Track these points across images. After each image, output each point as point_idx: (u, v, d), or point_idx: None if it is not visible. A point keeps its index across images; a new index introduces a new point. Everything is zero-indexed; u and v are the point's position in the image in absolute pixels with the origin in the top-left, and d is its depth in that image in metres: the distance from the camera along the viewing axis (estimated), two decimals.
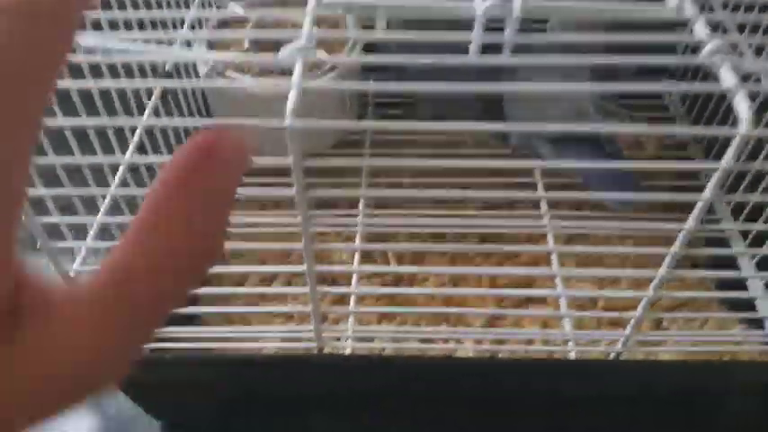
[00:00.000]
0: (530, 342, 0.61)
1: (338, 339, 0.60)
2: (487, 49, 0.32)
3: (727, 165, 0.30)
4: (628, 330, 0.43)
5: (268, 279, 0.67)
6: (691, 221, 0.30)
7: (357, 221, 0.67)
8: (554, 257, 0.64)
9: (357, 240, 0.67)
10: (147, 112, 0.59)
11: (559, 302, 0.62)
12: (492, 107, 0.69)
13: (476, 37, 0.31)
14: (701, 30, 0.32)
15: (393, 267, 0.68)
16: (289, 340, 0.59)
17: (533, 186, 0.69)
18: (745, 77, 0.29)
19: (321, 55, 0.65)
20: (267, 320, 0.64)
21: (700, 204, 0.31)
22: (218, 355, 0.56)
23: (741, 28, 0.39)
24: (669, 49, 0.34)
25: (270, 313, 0.64)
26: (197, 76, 0.67)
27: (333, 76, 0.64)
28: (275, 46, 0.65)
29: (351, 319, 0.60)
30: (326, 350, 0.56)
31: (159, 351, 0.49)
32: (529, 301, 0.66)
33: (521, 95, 0.63)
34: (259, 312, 0.64)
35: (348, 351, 0.58)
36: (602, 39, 0.33)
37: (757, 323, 0.60)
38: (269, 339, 0.59)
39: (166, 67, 0.59)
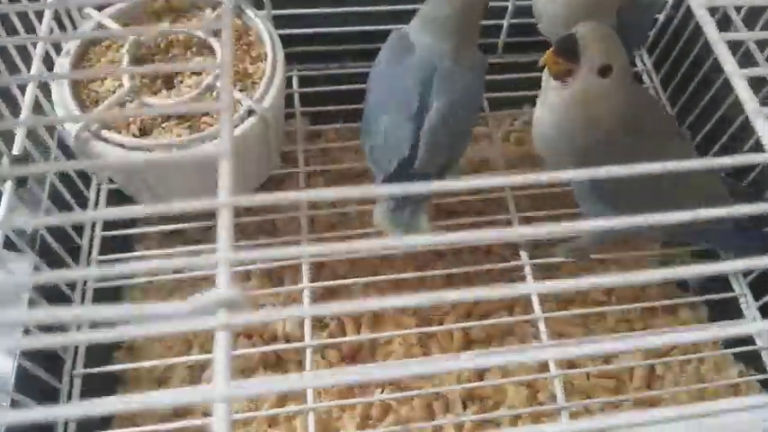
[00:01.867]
0: (517, 419, 0.53)
1: None
2: None
3: None
4: None
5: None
6: None
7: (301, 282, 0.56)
8: (534, 300, 0.55)
9: (305, 304, 0.55)
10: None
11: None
12: None
13: None
14: None
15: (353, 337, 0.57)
16: None
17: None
18: None
19: (237, 95, 0.49)
20: None
21: None
22: None
23: None
24: None
25: None
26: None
27: (254, 121, 0.49)
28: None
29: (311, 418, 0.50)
30: None
31: None
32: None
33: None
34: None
35: None
36: None
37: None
38: None
39: (14, 149, 0.42)
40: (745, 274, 0.59)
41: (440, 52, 0.50)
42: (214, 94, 0.50)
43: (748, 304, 0.58)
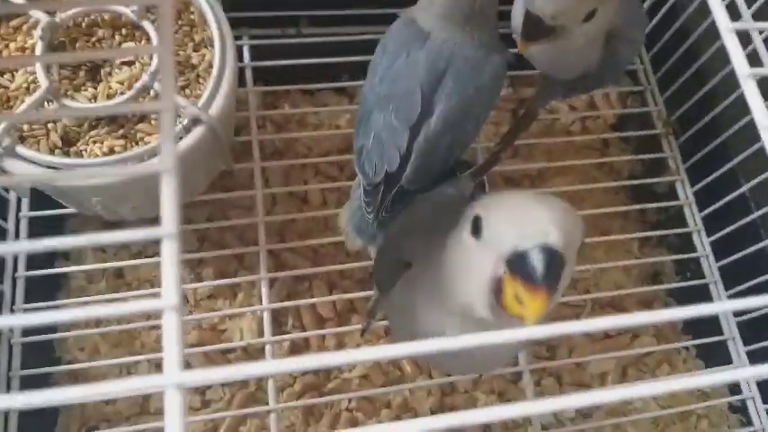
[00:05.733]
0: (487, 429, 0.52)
1: None
2: None
3: None
4: None
5: None
6: None
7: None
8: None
9: (264, 300, 0.51)
10: None
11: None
12: None
13: None
14: None
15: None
16: None
17: None
18: None
19: (179, 100, 0.42)
20: None
21: None
22: None
23: None
24: None
25: None
26: None
27: (200, 133, 0.42)
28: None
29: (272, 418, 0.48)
30: None
31: None
32: None
33: None
34: None
35: None
36: None
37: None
38: None
39: None
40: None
41: (456, 42, 0.43)
42: (151, 93, 0.42)
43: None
